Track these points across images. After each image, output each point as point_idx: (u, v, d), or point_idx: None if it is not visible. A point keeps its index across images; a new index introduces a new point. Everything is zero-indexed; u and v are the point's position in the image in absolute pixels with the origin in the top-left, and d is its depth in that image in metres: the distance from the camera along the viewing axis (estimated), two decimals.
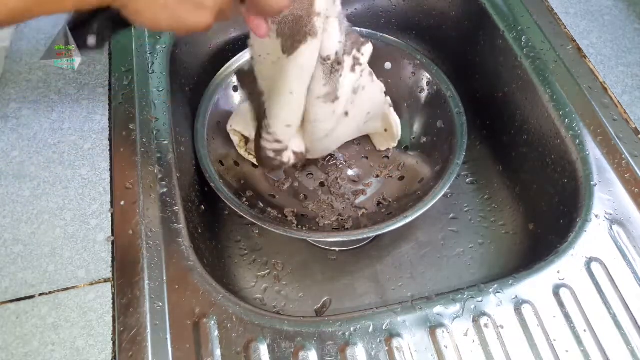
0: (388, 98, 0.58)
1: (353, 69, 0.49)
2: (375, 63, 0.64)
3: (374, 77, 0.55)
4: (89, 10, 0.38)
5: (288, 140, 0.50)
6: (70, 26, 0.41)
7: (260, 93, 0.49)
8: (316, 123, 0.50)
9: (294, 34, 0.43)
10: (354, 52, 0.49)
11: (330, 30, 0.45)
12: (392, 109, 0.59)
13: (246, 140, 0.58)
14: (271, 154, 0.50)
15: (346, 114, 0.53)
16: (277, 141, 0.49)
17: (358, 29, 0.64)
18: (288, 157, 0.52)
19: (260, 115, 0.49)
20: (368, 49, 0.51)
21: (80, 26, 0.41)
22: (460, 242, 0.59)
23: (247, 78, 0.50)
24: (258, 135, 0.50)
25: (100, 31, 0.41)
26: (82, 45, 0.42)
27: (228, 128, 0.58)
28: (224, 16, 0.39)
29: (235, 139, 0.58)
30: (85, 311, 0.41)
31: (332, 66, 0.47)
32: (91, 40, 0.41)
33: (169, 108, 0.53)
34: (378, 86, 0.56)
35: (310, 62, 0.45)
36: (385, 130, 0.61)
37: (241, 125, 0.57)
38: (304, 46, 0.44)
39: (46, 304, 0.41)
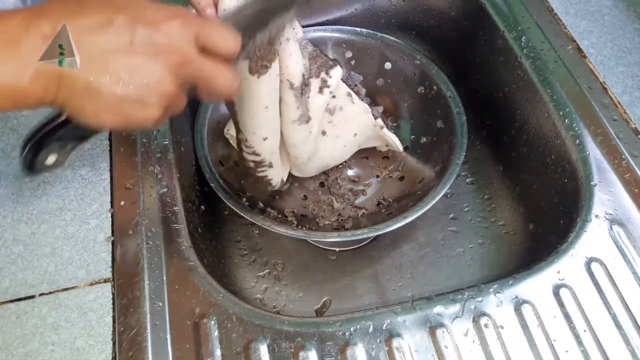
0: (379, 120, 0.58)
1: (321, 90, 0.51)
2: (375, 63, 0.65)
3: (355, 98, 0.56)
4: (43, 129, 0.37)
5: (269, 154, 0.50)
6: (26, 148, 0.38)
7: (232, 102, 0.49)
8: (296, 147, 0.52)
9: (264, 56, 0.43)
10: (322, 74, 0.50)
11: (292, 53, 0.46)
12: (385, 130, 0.59)
13: None
14: (251, 165, 0.51)
15: (323, 133, 0.54)
16: (256, 154, 0.50)
17: (358, 29, 0.64)
18: (277, 182, 0.54)
19: (237, 128, 0.50)
20: (336, 72, 0.52)
21: (36, 147, 0.38)
22: (460, 242, 0.59)
23: None
24: (239, 149, 0.51)
25: (60, 149, 0.39)
26: (41, 167, 0.39)
27: (225, 132, 0.58)
28: (175, 109, 0.37)
29: (232, 142, 0.59)
30: (85, 311, 0.41)
31: (301, 89, 0.48)
32: (50, 159, 0.39)
33: None
34: (360, 107, 0.56)
35: (277, 77, 0.46)
36: (387, 145, 0.61)
37: None
38: (274, 64, 0.44)
39: (46, 304, 0.41)
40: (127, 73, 0.33)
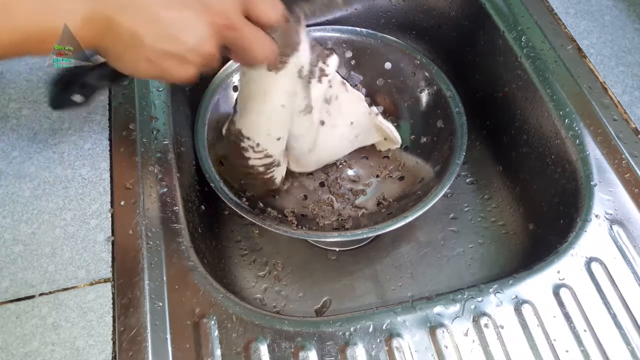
0: (374, 108, 0.59)
1: (320, 79, 0.50)
2: (375, 63, 0.65)
3: (348, 86, 0.56)
4: (73, 69, 0.38)
5: (279, 153, 0.50)
6: (56, 83, 0.40)
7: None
8: (301, 137, 0.51)
9: (282, 51, 0.43)
10: (320, 63, 0.50)
11: (302, 39, 0.46)
12: (380, 118, 0.59)
13: None
14: (261, 169, 0.50)
15: (322, 122, 0.54)
16: (268, 156, 0.49)
17: (358, 29, 0.64)
18: (280, 179, 0.53)
19: (239, 136, 0.48)
20: (333, 60, 0.51)
21: (67, 83, 0.40)
22: (460, 242, 0.59)
23: None
24: (241, 158, 0.49)
25: (88, 88, 0.41)
26: (67, 103, 0.41)
27: (224, 132, 0.58)
28: (209, 67, 0.37)
29: None
30: (85, 311, 0.41)
31: (308, 78, 0.48)
32: (77, 97, 0.41)
33: (169, 108, 0.53)
34: (355, 95, 0.56)
35: (295, 73, 0.46)
36: (385, 138, 0.61)
37: None
38: (292, 59, 0.44)
39: (46, 304, 0.41)
40: (173, 28, 0.33)
